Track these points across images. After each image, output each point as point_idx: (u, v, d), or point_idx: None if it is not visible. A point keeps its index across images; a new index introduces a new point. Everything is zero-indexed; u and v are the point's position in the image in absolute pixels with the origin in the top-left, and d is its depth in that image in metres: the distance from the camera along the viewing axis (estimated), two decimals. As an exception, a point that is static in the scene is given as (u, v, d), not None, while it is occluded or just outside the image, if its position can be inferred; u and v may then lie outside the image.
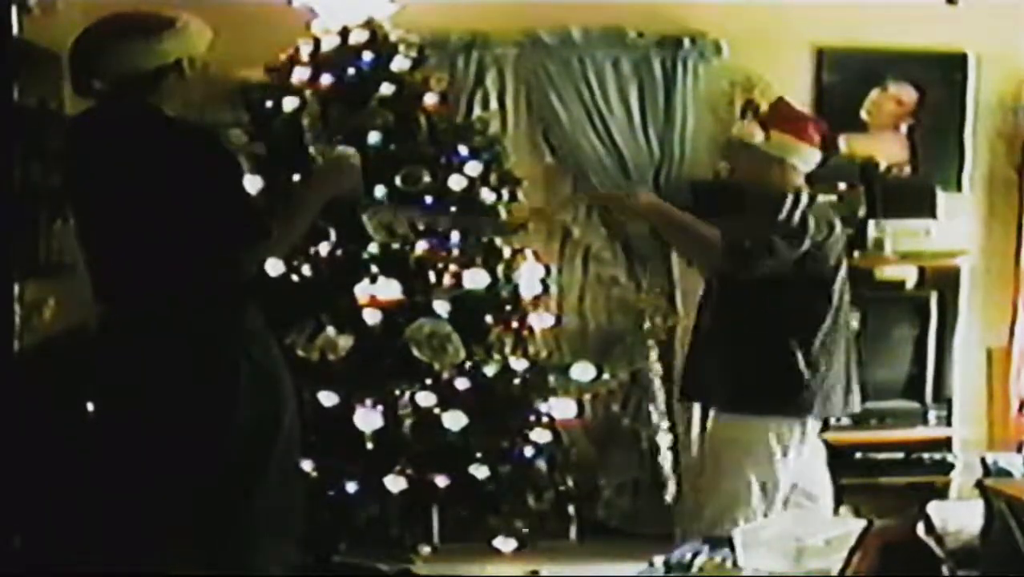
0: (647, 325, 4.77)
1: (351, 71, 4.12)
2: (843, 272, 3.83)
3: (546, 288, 4.28)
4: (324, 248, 3.92)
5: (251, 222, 2.81)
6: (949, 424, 4.84)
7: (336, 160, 3.15)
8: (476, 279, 3.97)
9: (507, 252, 4.16)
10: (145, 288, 2.79)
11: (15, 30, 3.95)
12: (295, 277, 3.91)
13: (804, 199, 3.73)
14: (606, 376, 4.21)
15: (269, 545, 2.82)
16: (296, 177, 3.89)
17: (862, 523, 3.38)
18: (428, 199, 3.99)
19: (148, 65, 2.78)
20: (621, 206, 4.35)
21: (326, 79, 4.09)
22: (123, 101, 2.81)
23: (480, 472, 3.83)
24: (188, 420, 2.73)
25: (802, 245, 3.66)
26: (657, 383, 4.76)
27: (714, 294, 3.90)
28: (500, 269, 4.09)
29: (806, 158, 3.81)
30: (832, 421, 4.74)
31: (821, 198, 3.86)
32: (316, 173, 3.04)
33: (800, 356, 3.69)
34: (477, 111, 4.71)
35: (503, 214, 4.19)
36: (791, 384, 3.70)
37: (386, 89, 4.07)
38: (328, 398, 3.75)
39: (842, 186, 4.80)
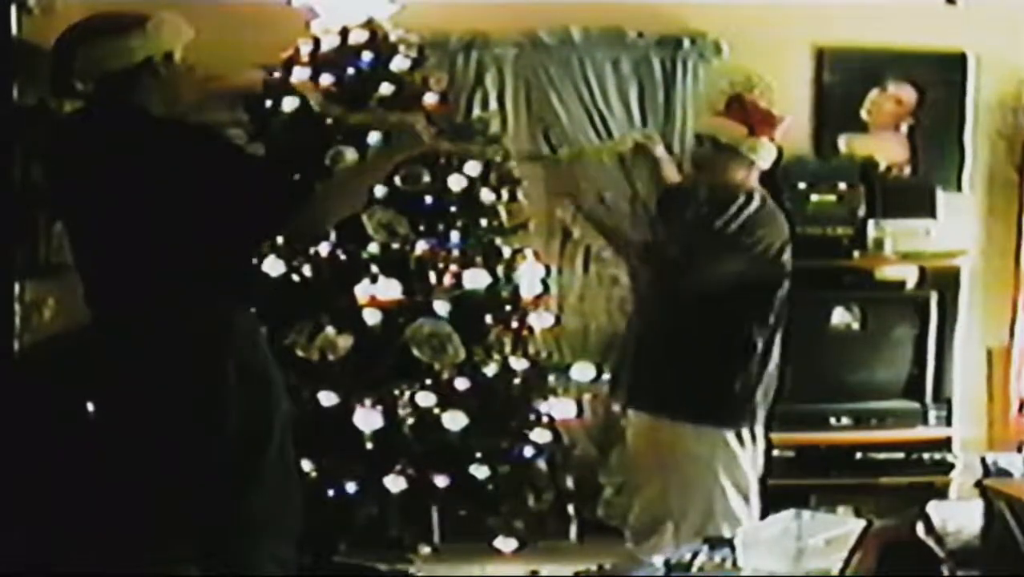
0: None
1: (351, 71, 4.12)
2: (785, 280, 3.78)
3: (546, 288, 4.28)
4: (324, 248, 3.92)
5: (285, 185, 2.81)
6: (949, 424, 4.84)
7: (402, 125, 3.17)
8: (476, 279, 3.97)
9: (507, 252, 4.16)
10: (133, 290, 2.78)
11: (15, 30, 3.96)
12: (295, 277, 3.90)
13: (755, 202, 3.69)
14: (606, 376, 4.20)
15: (267, 545, 2.82)
16: (296, 177, 3.89)
17: (862, 523, 3.38)
18: (428, 199, 3.99)
19: (116, 65, 2.77)
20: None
21: (326, 79, 4.09)
22: (105, 102, 2.81)
23: (480, 472, 3.83)
24: (178, 421, 2.72)
25: (736, 255, 3.61)
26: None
27: (648, 300, 3.90)
28: (500, 269, 4.09)
29: (771, 157, 3.82)
30: (832, 421, 4.78)
31: (770, 203, 3.80)
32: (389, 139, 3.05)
33: (741, 365, 3.66)
34: (477, 111, 4.71)
35: (503, 214, 4.18)
36: (736, 395, 3.67)
37: (386, 89, 4.07)
38: (328, 398, 3.75)
39: (842, 186, 4.81)
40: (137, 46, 2.78)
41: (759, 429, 3.81)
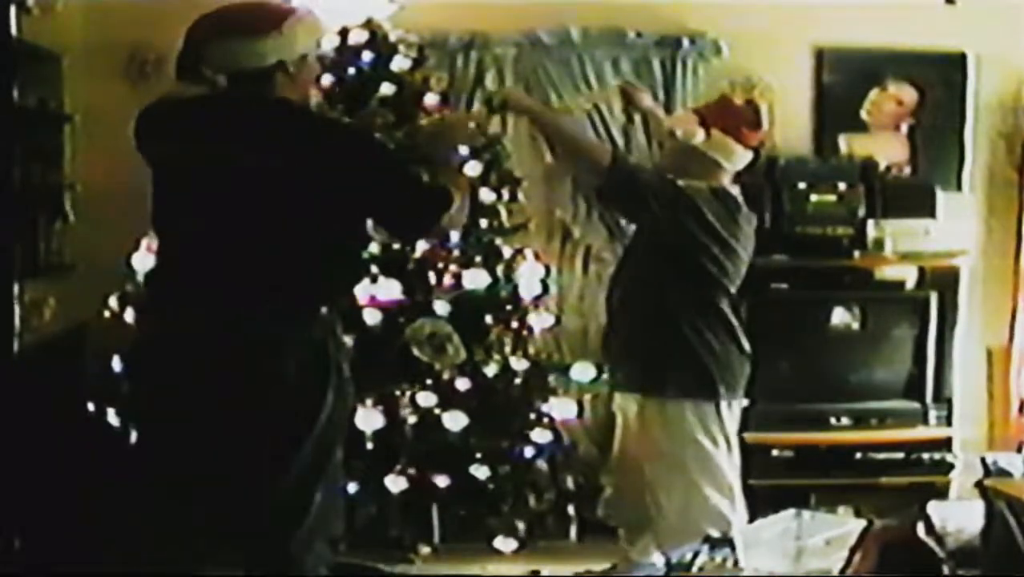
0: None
1: (351, 71, 4.12)
2: (729, 267, 3.75)
3: (546, 288, 4.27)
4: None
5: (438, 191, 2.78)
6: (949, 424, 4.84)
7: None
8: (476, 279, 3.97)
9: (507, 252, 4.15)
10: (249, 291, 2.67)
11: (15, 30, 3.96)
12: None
13: (709, 190, 3.70)
14: (606, 376, 4.20)
15: (318, 546, 2.78)
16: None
17: (862, 523, 3.39)
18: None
19: (247, 64, 2.70)
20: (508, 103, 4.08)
21: (326, 79, 4.09)
22: (238, 93, 2.72)
23: (480, 472, 3.83)
24: (276, 423, 2.66)
25: (675, 202, 3.62)
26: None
27: (617, 283, 3.92)
28: (500, 269, 4.09)
29: (739, 161, 3.78)
30: (832, 421, 4.78)
31: (730, 201, 3.75)
32: (424, 136, 3.01)
33: (692, 336, 3.66)
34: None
35: (503, 214, 4.18)
36: (686, 365, 3.67)
37: (386, 89, 4.06)
38: (328, 398, 3.74)
39: (842, 186, 4.81)
40: (270, 50, 2.70)
41: (732, 426, 3.79)
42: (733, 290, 3.75)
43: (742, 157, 3.78)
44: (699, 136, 3.72)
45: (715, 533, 3.56)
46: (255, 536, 2.73)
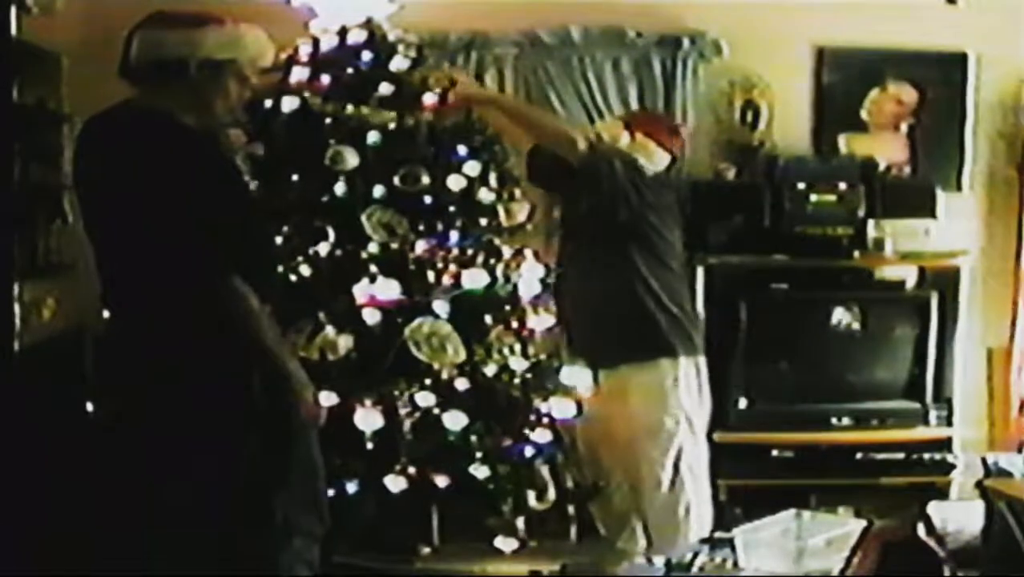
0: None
1: (350, 71, 4.12)
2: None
3: (546, 288, 4.27)
4: (324, 248, 3.92)
5: (204, 264, 2.74)
6: (949, 424, 4.84)
7: None
8: (476, 279, 3.96)
9: (507, 252, 4.15)
10: (142, 290, 2.75)
11: (15, 30, 3.96)
12: (294, 277, 3.90)
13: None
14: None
15: (295, 546, 2.79)
16: (295, 177, 3.89)
17: (862, 523, 3.39)
18: (427, 199, 3.99)
19: (151, 56, 2.77)
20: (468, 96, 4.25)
21: (325, 79, 4.09)
22: (138, 98, 2.79)
23: (480, 472, 3.83)
24: (201, 422, 2.68)
25: (641, 178, 3.94)
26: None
27: (567, 276, 4.17)
28: (500, 269, 4.09)
29: (660, 162, 4.08)
30: (833, 421, 4.78)
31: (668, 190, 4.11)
32: None
33: (666, 299, 3.94)
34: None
35: (502, 214, 4.18)
36: (674, 325, 3.94)
37: (385, 89, 4.06)
38: (328, 398, 3.74)
39: (842, 186, 4.81)
40: (171, 42, 2.76)
41: (705, 377, 3.96)
42: (681, 254, 4.09)
43: (662, 159, 4.07)
44: (624, 139, 4.05)
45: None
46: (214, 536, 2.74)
